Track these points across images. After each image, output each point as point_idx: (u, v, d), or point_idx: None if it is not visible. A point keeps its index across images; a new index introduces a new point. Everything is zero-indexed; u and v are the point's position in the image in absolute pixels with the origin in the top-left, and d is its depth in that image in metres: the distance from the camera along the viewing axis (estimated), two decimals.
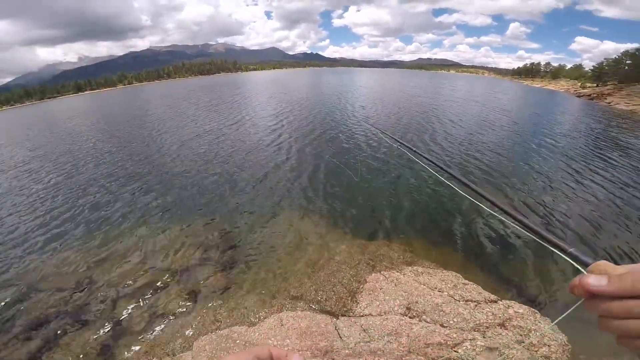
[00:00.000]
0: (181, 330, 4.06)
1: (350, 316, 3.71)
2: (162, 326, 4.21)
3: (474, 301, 3.71)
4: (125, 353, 3.87)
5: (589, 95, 45.13)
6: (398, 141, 2.04)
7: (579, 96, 47.29)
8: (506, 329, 3.20)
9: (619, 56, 56.77)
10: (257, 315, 4.11)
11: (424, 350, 2.93)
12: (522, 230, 0.73)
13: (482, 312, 3.48)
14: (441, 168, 1.22)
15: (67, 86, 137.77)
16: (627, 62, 54.22)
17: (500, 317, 3.38)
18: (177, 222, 7.06)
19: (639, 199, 8.26)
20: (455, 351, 2.90)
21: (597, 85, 55.77)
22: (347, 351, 3.02)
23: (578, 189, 8.81)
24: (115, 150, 13.83)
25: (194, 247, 6.01)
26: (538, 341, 3.06)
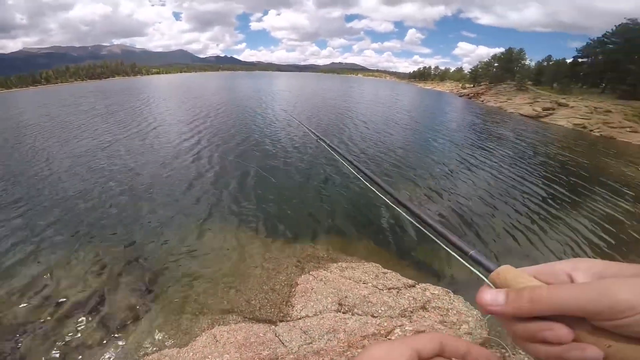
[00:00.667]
0: None
1: (288, 321, 3.78)
2: None
3: (395, 288, 4.12)
4: None
5: (468, 94, 53.02)
6: (319, 137, 2.03)
7: (460, 96, 55.15)
8: (428, 311, 3.62)
9: (489, 59, 68.15)
10: (188, 335, 3.88)
11: (361, 343, 3.15)
12: (421, 227, 0.72)
13: (404, 297, 3.86)
14: (355, 166, 1.25)
15: None
16: (495, 64, 65.28)
17: (420, 300, 3.79)
18: (82, 247, 6.15)
19: (515, 179, 10.21)
20: (389, 339, 3.20)
21: (474, 86, 65.86)
22: (292, 356, 3.09)
23: (469, 175, 10.44)
24: None
25: (104, 272, 5.32)
26: (457, 319, 3.48)
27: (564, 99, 34.02)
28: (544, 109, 30.20)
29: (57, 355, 3.80)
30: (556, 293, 0.34)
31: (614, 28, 43.98)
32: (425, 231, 0.68)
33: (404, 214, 0.84)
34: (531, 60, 62.75)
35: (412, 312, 3.63)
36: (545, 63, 56.43)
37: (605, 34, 45.51)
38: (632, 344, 0.30)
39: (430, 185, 9.39)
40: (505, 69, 60.63)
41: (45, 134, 17.59)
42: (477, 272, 0.46)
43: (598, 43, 46.86)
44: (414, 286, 4.18)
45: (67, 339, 4.02)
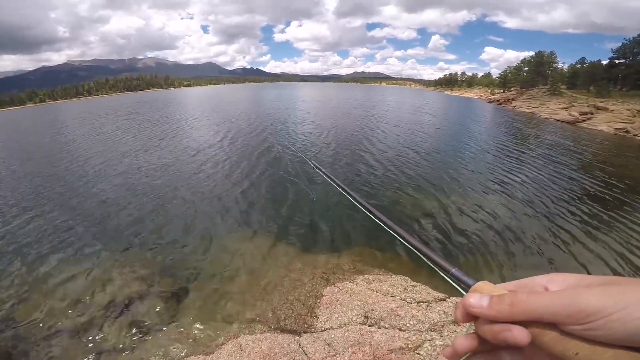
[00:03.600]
0: None
1: (312, 332, 3.74)
2: None
3: (425, 302, 3.98)
4: None
5: (498, 100, 51.15)
6: (316, 165, 2.10)
7: (490, 102, 53.29)
8: (460, 326, 3.47)
9: (518, 64, 65.81)
10: (213, 343, 3.93)
11: (388, 357, 3.06)
12: (407, 246, 0.74)
13: (435, 311, 3.73)
14: (346, 190, 1.29)
15: None
16: (525, 69, 62.91)
17: (452, 314, 3.63)
18: (112, 252, 6.45)
19: (555, 188, 9.70)
20: (417, 353, 3.07)
21: (504, 91, 63.66)
22: None
23: (503, 185, 10.01)
24: (30, 178, 12.01)
25: (134, 277, 5.52)
26: None
27: (602, 102, 32.11)
28: (582, 114, 28.59)
29: (88, 357, 3.93)
30: (533, 298, 0.36)
31: None
32: (413, 249, 0.72)
33: (391, 231, 0.86)
34: (564, 63, 60.05)
35: (442, 326, 3.48)
36: (579, 65, 53.70)
37: None
38: (598, 347, 0.32)
39: (462, 196, 9.09)
40: (536, 73, 58.28)
41: (86, 144, 18.67)
42: (459, 288, 0.49)
43: (635, 43, 44.07)
44: (444, 300, 4.02)
45: (98, 341, 4.18)
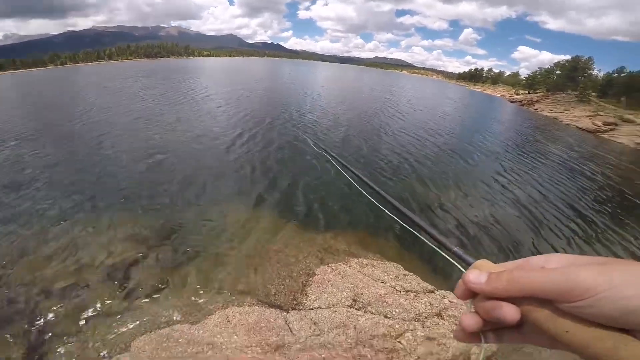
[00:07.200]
0: (116, 331, 3.75)
1: (300, 309, 3.77)
2: (94, 327, 3.84)
3: (414, 292, 3.96)
4: (53, 358, 3.49)
5: (521, 101, 49.65)
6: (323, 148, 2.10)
7: (512, 101, 51.76)
8: (443, 319, 3.47)
9: (551, 66, 63.24)
10: (201, 312, 3.95)
11: (370, 342, 3.07)
12: (404, 225, 0.78)
13: (421, 302, 3.72)
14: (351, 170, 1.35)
15: None
16: (557, 72, 60.47)
17: (437, 307, 3.64)
18: (107, 213, 6.44)
19: (559, 199, 9.49)
20: (398, 342, 3.08)
21: (529, 92, 61.62)
22: (298, 346, 3.07)
23: (507, 189, 9.81)
24: (33, 134, 12.08)
25: (126, 240, 5.53)
26: None
27: (631, 114, 30.80)
28: (605, 124, 27.51)
29: (76, 318, 3.99)
30: (529, 274, 0.37)
31: None
32: (413, 231, 0.76)
33: (389, 212, 0.89)
34: (600, 71, 57.34)
35: (426, 317, 3.47)
36: (616, 74, 51.09)
37: None
38: (588, 326, 0.33)
39: (463, 196, 8.94)
40: (568, 78, 55.96)
41: (96, 104, 18.75)
42: (459, 266, 0.52)
43: None
44: (433, 292, 4.00)
45: (87, 304, 4.20)
